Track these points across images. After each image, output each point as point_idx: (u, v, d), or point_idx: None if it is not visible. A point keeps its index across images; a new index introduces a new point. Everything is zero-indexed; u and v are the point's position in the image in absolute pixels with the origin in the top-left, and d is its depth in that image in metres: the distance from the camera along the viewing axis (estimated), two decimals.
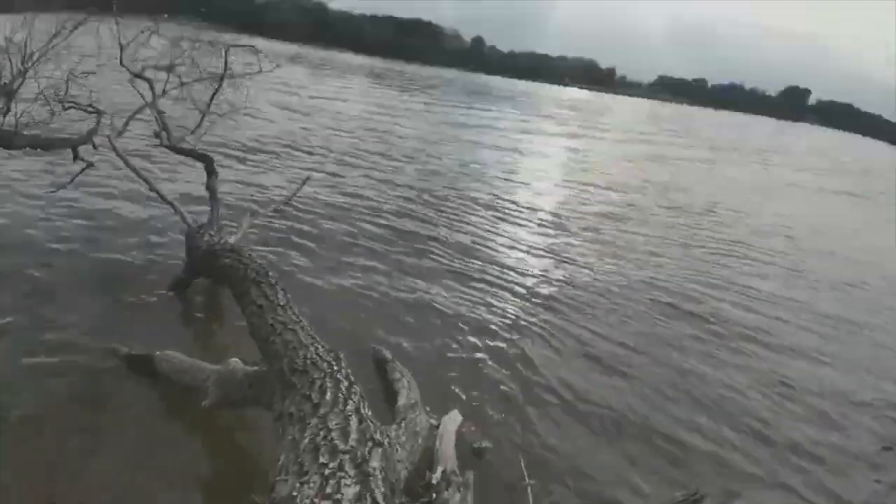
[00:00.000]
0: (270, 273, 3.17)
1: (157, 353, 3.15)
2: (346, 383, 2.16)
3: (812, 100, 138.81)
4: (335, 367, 2.27)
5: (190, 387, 2.89)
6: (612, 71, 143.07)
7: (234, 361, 2.79)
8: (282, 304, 2.80)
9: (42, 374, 3.08)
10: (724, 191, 14.36)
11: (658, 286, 6.22)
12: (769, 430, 3.90)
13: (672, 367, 4.53)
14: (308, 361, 2.29)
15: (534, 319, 4.91)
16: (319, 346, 2.45)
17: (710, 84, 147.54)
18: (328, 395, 2.04)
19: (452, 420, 2.88)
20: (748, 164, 23.11)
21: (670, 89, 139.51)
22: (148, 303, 4.02)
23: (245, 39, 6.53)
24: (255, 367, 2.67)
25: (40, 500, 2.31)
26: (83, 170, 4.63)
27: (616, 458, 3.28)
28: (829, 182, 21.36)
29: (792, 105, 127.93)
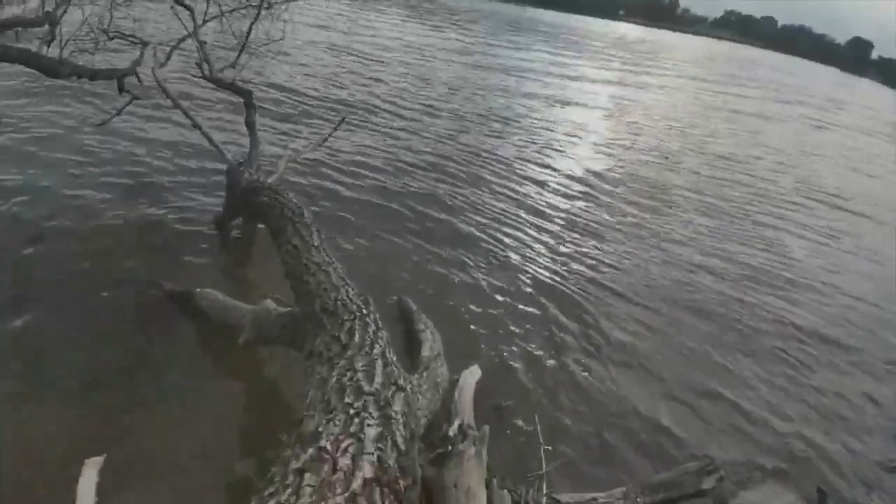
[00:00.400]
0: (306, 213, 3.22)
1: (198, 290, 3.30)
2: (373, 327, 2.23)
3: (874, 55, 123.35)
4: (364, 311, 2.34)
5: (226, 324, 3.03)
6: (674, 3, 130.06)
7: (269, 302, 2.89)
8: (316, 244, 2.87)
9: (94, 303, 3.27)
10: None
11: (696, 262, 5.88)
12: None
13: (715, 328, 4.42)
14: (339, 303, 2.37)
15: (562, 281, 4.81)
16: (350, 289, 2.52)
17: (779, 24, 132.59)
18: (356, 338, 2.12)
19: (472, 374, 2.95)
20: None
21: (736, 26, 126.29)
22: (190, 242, 4.13)
23: None
24: (289, 309, 2.78)
25: (87, 419, 2.52)
26: (128, 102, 4.69)
27: (638, 425, 3.28)
28: None
29: (856, 57, 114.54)
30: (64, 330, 3.02)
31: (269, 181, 3.93)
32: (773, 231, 7.26)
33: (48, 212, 4.09)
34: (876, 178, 12.73)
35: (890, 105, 39.72)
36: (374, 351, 2.08)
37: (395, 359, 2.12)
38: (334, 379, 1.85)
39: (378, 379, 1.86)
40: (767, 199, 8.76)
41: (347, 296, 2.46)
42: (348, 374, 1.88)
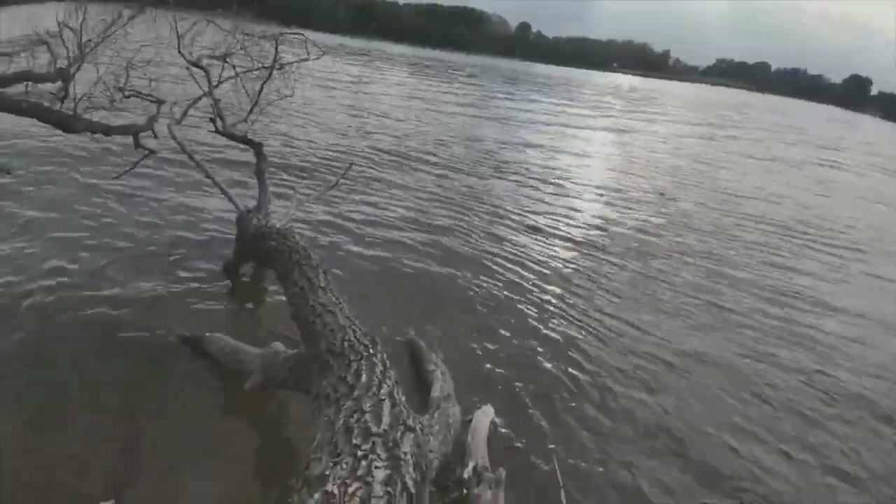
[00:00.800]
0: (313, 256, 3.23)
1: (207, 334, 3.30)
2: (380, 367, 2.16)
3: (873, 90, 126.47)
4: (371, 351, 2.27)
5: (236, 368, 3.00)
6: (666, 54, 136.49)
7: (277, 345, 2.87)
8: (322, 286, 2.84)
9: (105, 348, 3.28)
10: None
11: (704, 303, 5.70)
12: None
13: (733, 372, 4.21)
14: (346, 344, 2.31)
15: (575, 314, 4.74)
16: (357, 329, 2.46)
17: (773, 68, 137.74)
18: (363, 378, 2.04)
19: (485, 414, 2.83)
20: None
21: (729, 73, 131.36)
22: (201, 286, 4.21)
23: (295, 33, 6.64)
24: (296, 351, 2.73)
25: (96, 461, 2.48)
26: (143, 157, 4.84)
27: (657, 466, 3.10)
28: None
29: (854, 95, 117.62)
30: (76, 374, 3.03)
31: (277, 226, 3.97)
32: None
33: (62, 256, 4.19)
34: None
35: (886, 139, 40.04)
36: (382, 391, 1.99)
37: (403, 399, 2.03)
38: (341, 421, 1.77)
39: (386, 420, 1.77)
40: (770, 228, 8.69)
41: (354, 336, 2.40)
42: (355, 415, 1.79)
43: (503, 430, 3.03)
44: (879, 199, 14.02)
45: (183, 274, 4.35)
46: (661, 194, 10.42)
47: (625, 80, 76.53)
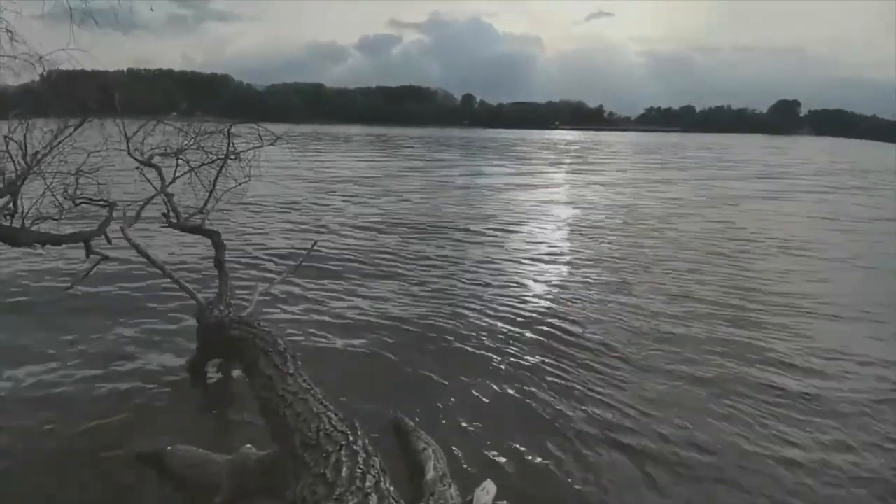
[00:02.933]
0: (280, 341, 3.06)
1: (168, 448, 2.99)
2: (363, 455, 1.97)
3: (804, 110, 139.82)
4: (350, 438, 2.08)
5: (202, 483, 2.70)
6: (599, 109, 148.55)
7: (247, 448, 2.63)
8: (291, 372, 2.66)
9: (54, 475, 2.98)
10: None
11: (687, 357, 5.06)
12: None
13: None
14: (321, 434, 2.11)
15: (569, 378, 4.48)
16: (333, 416, 2.27)
17: (697, 109, 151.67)
18: (344, 471, 1.85)
19: (486, 492, 2.61)
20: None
21: (659, 120, 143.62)
22: (162, 391, 3.96)
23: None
24: (267, 452, 2.49)
25: None
26: (97, 263, 4.66)
27: None
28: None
29: (784, 119, 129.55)
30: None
31: (240, 315, 3.80)
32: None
33: (12, 367, 3.99)
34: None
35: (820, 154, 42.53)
36: (367, 484, 1.81)
37: (392, 489, 1.85)
38: None
39: None
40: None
41: (330, 423, 2.20)
42: None
43: None
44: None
45: (141, 381, 4.08)
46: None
47: (565, 135, 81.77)
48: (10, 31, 2.80)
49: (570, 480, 3.18)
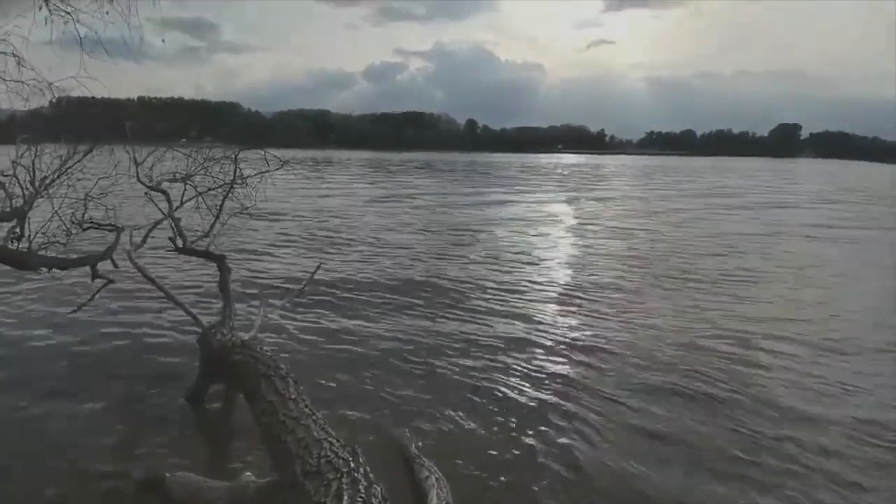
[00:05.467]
0: (282, 365, 3.03)
1: (168, 475, 2.94)
2: (364, 483, 1.91)
3: (805, 133, 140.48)
4: (352, 465, 2.03)
5: None
6: (601, 134, 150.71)
7: (246, 475, 2.58)
8: (293, 396, 2.62)
9: (51, 502, 2.91)
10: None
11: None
12: None
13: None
14: (322, 461, 2.06)
15: (572, 405, 4.34)
16: (334, 441, 2.22)
17: (698, 134, 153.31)
18: (345, 500, 1.79)
19: None
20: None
21: (660, 144, 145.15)
22: (164, 417, 3.90)
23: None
24: (267, 479, 2.42)
25: None
26: (102, 287, 4.68)
27: None
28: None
29: (785, 142, 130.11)
30: None
31: (243, 339, 3.78)
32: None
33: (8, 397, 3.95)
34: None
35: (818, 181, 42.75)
36: None
37: None
38: None
39: None
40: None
41: (331, 450, 2.15)
42: None
43: None
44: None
45: (142, 407, 4.03)
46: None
47: (568, 158, 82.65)
48: (18, 56, 2.85)
49: None
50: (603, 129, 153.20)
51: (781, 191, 30.76)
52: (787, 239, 13.48)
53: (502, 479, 3.29)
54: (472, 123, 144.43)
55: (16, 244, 3.38)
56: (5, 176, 3.53)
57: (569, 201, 21.81)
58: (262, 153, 5.76)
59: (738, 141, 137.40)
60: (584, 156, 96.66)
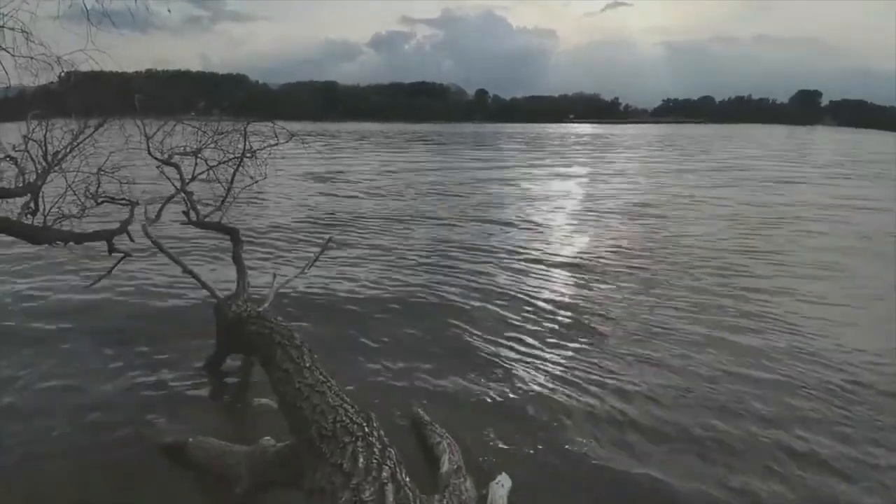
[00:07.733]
0: (296, 335, 3.10)
1: (190, 440, 3.07)
2: (378, 446, 1.99)
3: (825, 101, 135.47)
4: (367, 430, 2.10)
5: (222, 473, 2.75)
6: (615, 101, 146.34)
7: (265, 440, 2.68)
8: (307, 365, 2.69)
9: (78, 468, 3.05)
10: None
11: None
12: None
13: None
14: (338, 425, 2.14)
15: (585, 371, 4.42)
16: (349, 408, 2.30)
17: (717, 100, 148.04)
18: (360, 462, 1.87)
19: (501, 485, 2.60)
20: None
21: (677, 111, 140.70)
22: (183, 385, 4.04)
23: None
24: (285, 443, 2.53)
25: None
26: (119, 261, 4.77)
27: None
28: None
29: (805, 109, 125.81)
30: (51, 495, 2.80)
31: (258, 310, 3.85)
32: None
33: (35, 363, 4.10)
34: None
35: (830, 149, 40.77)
36: (383, 474, 1.83)
37: (408, 480, 1.86)
38: None
39: None
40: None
41: (346, 415, 2.23)
42: None
43: (524, 500, 2.76)
44: None
45: (164, 376, 4.17)
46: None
47: (580, 128, 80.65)
48: (27, 32, 2.82)
49: (587, 475, 3.15)
50: (617, 98, 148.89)
51: None
52: None
53: (511, 444, 3.38)
54: (482, 93, 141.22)
55: (30, 219, 3.42)
56: (18, 151, 3.56)
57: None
58: (272, 125, 5.73)
59: (757, 108, 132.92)
60: (596, 125, 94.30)
